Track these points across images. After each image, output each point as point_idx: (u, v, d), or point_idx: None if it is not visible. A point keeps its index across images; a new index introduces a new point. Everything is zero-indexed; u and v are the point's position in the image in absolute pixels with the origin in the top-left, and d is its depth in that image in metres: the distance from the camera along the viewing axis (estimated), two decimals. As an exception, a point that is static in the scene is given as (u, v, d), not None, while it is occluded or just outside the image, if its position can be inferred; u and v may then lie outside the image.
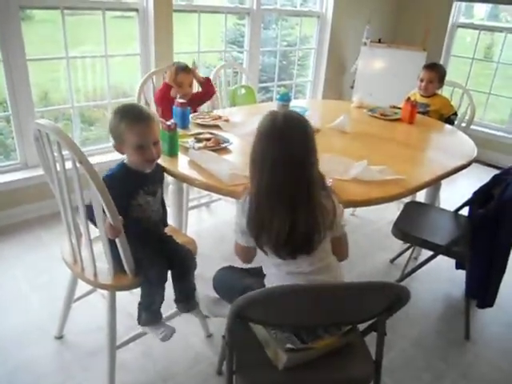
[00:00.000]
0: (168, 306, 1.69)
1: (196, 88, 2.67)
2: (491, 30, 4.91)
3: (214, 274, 1.54)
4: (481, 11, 5.02)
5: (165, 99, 2.44)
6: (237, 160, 1.80)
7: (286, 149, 1.18)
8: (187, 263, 1.64)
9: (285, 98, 2.24)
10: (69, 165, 1.33)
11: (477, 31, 4.64)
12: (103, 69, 3.04)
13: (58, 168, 1.39)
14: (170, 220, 2.06)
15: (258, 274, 1.37)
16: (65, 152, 1.32)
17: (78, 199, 1.39)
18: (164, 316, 1.68)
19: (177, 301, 1.69)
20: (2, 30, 2.47)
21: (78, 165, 1.29)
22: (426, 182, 1.74)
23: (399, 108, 2.76)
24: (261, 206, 1.22)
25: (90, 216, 1.41)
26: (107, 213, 1.33)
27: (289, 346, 1.18)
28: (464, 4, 4.65)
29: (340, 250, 1.37)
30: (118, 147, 1.50)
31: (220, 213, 3.07)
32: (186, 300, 1.69)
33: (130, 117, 1.44)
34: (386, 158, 1.91)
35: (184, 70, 2.52)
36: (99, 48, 2.97)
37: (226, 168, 1.57)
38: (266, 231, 1.22)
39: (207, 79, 2.66)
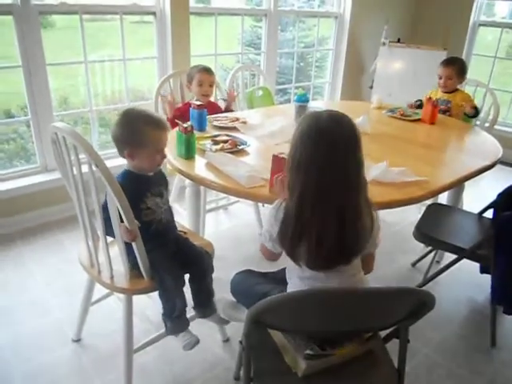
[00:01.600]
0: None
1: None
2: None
3: (231, 278, 1.51)
4: (503, 9, 4.90)
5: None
6: (254, 162, 1.77)
7: (335, 152, 1.09)
8: (204, 266, 1.62)
9: (302, 99, 2.21)
10: (85, 168, 1.32)
11: (498, 29, 4.54)
12: (121, 73, 3.06)
13: (75, 171, 1.39)
14: (187, 223, 2.06)
15: (278, 280, 1.34)
16: (81, 155, 1.31)
17: (95, 203, 1.39)
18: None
19: (194, 305, 1.67)
20: (22, 36, 2.51)
21: (94, 168, 1.29)
22: (448, 183, 1.69)
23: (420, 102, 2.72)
24: (303, 215, 1.12)
25: (105, 218, 1.40)
26: (123, 217, 1.32)
27: (308, 352, 1.15)
28: (485, 2, 4.54)
29: (368, 264, 1.32)
30: (132, 151, 1.46)
31: (238, 215, 3.05)
32: (204, 305, 1.68)
33: (156, 122, 1.48)
34: (406, 159, 1.86)
35: (206, 69, 2.52)
36: (118, 52, 2.99)
37: (244, 170, 1.55)
38: (305, 242, 1.13)
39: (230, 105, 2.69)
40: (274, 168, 1.44)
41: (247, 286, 1.41)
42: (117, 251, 1.48)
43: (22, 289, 2.21)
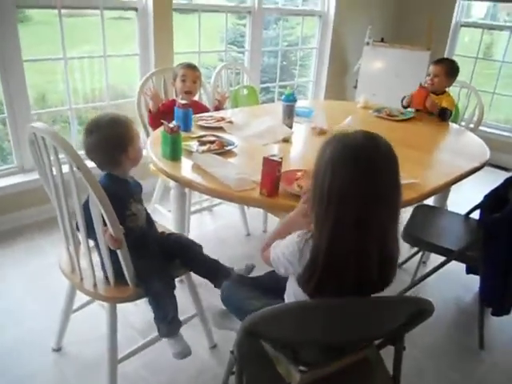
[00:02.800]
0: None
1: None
2: (495, 28, 4.85)
3: (222, 286, 1.46)
4: (480, 11, 4.96)
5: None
6: (243, 163, 1.73)
7: (375, 179, 0.95)
8: (189, 243, 1.64)
9: (290, 99, 2.16)
10: (66, 169, 1.26)
11: (476, 30, 4.61)
12: (102, 70, 2.97)
13: (55, 172, 1.32)
14: (172, 225, 2.00)
15: (270, 289, 1.28)
16: (61, 156, 1.25)
17: (76, 205, 1.32)
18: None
19: (210, 279, 1.65)
20: (-3, 30, 2.40)
21: (75, 170, 1.22)
22: (440, 185, 1.67)
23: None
24: (337, 253, 0.98)
25: (87, 219, 1.34)
26: (107, 222, 1.25)
27: (301, 368, 1.11)
28: (466, 3, 4.58)
29: None
30: (120, 157, 1.46)
31: (223, 216, 2.99)
32: (216, 272, 1.64)
33: (133, 125, 1.50)
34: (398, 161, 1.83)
35: (189, 65, 2.46)
36: (98, 49, 2.90)
37: (233, 172, 1.49)
38: (336, 278, 1.01)
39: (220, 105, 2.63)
40: (265, 171, 1.39)
41: (240, 298, 1.35)
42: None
43: (-1, 295, 2.12)
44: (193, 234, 2.49)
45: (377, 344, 1.26)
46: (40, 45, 3.34)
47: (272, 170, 1.37)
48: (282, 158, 1.39)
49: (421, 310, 1.04)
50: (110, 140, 1.43)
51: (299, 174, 1.52)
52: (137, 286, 1.46)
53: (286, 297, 1.24)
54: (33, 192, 2.62)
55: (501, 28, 4.84)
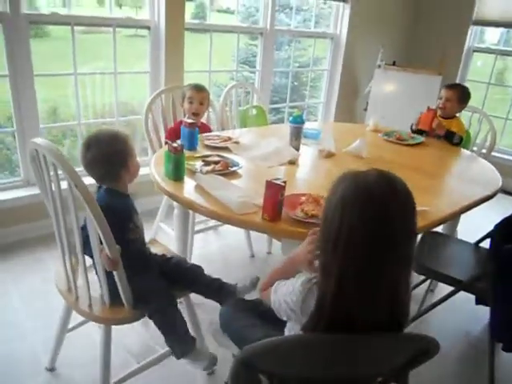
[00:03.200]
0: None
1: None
2: (509, 54, 4.83)
3: (220, 311, 1.40)
4: (493, 37, 4.95)
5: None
6: (247, 185, 1.69)
7: (388, 225, 0.87)
8: (192, 269, 1.62)
9: (298, 121, 2.13)
10: (65, 185, 1.24)
11: (488, 56, 4.60)
12: (112, 86, 2.98)
13: (54, 188, 1.30)
14: (174, 245, 1.96)
15: (271, 317, 1.22)
16: (60, 172, 1.23)
17: (74, 223, 1.29)
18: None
19: (219, 303, 1.60)
20: (10, 44, 2.43)
21: (73, 188, 1.20)
22: (449, 213, 1.62)
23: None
24: (345, 301, 0.91)
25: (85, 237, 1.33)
26: (104, 243, 1.22)
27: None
28: (479, 29, 4.57)
29: None
30: (120, 172, 1.46)
31: (228, 236, 2.95)
32: (220, 288, 1.61)
33: (130, 140, 1.51)
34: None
35: (197, 86, 2.45)
36: (110, 65, 2.92)
37: (236, 195, 1.46)
38: (342, 327, 0.93)
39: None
40: (267, 194, 1.36)
41: (239, 326, 1.29)
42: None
43: (-4, 310, 2.09)
44: (196, 254, 2.46)
45: (380, 381, 1.20)
46: (55, 60, 3.38)
47: (275, 194, 1.34)
48: (285, 182, 1.36)
49: (424, 350, 0.99)
50: (111, 155, 1.43)
51: (303, 198, 1.48)
52: (134, 308, 1.42)
53: (286, 331, 1.19)
54: (37, 206, 2.59)
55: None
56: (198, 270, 1.63)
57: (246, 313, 1.33)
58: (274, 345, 0.93)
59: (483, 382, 1.90)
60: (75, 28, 2.64)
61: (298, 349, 0.94)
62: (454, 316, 2.31)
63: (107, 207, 1.29)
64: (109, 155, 1.43)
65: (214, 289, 1.62)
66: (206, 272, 1.65)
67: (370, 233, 0.87)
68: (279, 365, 0.99)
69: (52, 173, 1.27)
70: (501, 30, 4.78)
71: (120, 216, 1.41)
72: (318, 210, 1.39)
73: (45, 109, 3.49)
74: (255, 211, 1.42)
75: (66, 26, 2.64)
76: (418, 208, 1.53)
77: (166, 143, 1.71)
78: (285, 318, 1.09)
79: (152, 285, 1.47)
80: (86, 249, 1.34)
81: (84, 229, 1.32)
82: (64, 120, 3.93)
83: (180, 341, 1.45)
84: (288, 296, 1.04)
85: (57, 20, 2.65)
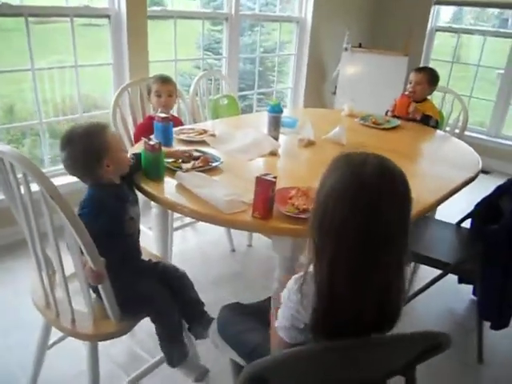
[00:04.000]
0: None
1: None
2: (470, 32, 4.91)
3: (218, 314, 1.33)
4: (446, 15, 5.02)
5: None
6: (230, 181, 1.61)
7: (379, 219, 0.83)
8: (181, 279, 1.53)
9: (276, 110, 2.06)
10: (35, 187, 1.13)
11: (444, 34, 4.76)
12: (73, 80, 2.81)
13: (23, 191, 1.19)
14: (154, 245, 1.87)
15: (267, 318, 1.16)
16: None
17: (49, 230, 1.19)
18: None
19: (189, 325, 1.52)
20: (-43, 40, 2.23)
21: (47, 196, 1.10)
22: (436, 199, 1.59)
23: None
24: (336, 288, 0.87)
25: None
26: (86, 256, 1.13)
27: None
28: (438, 8, 4.61)
29: None
30: (110, 158, 1.36)
31: (206, 232, 2.86)
32: (198, 316, 1.50)
33: (108, 131, 1.41)
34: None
35: (163, 79, 2.32)
36: (68, 58, 2.74)
37: (222, 193, 1.38)
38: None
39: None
40: (257, 192, 1.29)
41: (236, 331, 1.23)
42: (77, 286, 1.28)
43: (-35, 329, 1.94)
44: (175, 251, 2.37)
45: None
46: (9, 54, 3.16)
47: (266, 191, 1.27)
48: (276, 177, 1.29)
49: (435, 345, 0.96)
50: (84, 154, 1.32)
51: (293, 192, 1.42)
52: (121, 321, 1.33)
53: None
54: (3, 211, 2.44)
55: (471, 32, 4.90)
56: (187, 282, 1.54)
57: (246, 317, 1.27)
58: (284, 359, 0.87)
59: (472, 359, 1.93)
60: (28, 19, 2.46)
61: (307, 360, 0.88)
62: (439, 297, 2.33)
63: (96, 205, 1.26)
64: (81, 154, 1.32)
65: (191, 311, 1.52)
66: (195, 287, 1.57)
67: (363, 225, 0.83)
68: (287, 378, 0.94)
69: (22, 183, 1.16)
70: (453, 8, 4.88)
71: (112, 211, 1.33)
72: (309, 203, 1.34)
73: (1, 106, 3.27)
74: (244, 209, 1.35)
75: (18, 17, 2.46)
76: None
77: (140, 141, 1.61)
78: (293, 334, 0.98)
79: (153, 286, 1.41)
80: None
81: None
82: (22, 118, 3.70)
83: (177, 348, 1.40)
84: (290, 302, 0.96)
85: (8, 11, 2.45)
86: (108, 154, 1.36)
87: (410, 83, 2.79)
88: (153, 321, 1.39)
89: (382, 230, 0.84)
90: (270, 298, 1.27)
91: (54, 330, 1.52)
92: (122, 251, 1.37)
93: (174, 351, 1.40)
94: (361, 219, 0.83)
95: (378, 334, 0.92)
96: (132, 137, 2.42)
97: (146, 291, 1.39)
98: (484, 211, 2.09)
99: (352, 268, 0.86)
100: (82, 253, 1.15)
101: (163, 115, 1.93)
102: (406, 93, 2.76)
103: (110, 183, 1.40)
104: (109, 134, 1.39)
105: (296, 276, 0.97)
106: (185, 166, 1.65)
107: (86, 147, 1.32)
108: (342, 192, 0.85)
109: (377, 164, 0.87)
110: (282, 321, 0.98)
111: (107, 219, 1.29)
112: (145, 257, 1.58)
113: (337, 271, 0.86)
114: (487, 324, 1.90)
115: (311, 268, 0.92)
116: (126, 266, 1.37)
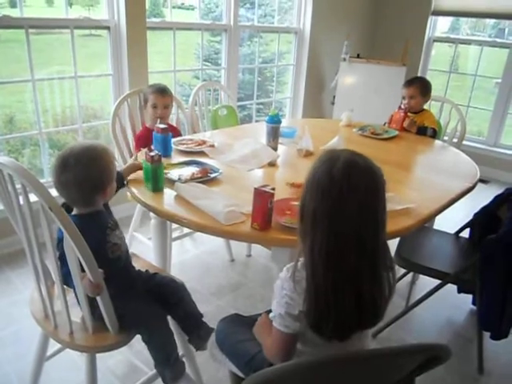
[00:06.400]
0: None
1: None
2: (467, 42, 4.94)
3: (216, 327, 1.33)
4: (443, 25, 5.06)
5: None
6: (229, 192, 1.61)
7: (345, 209, 0.90)
8: (178, 292, 1.49)
9: (275, 120, 2.07)
10: (34, 197, 1.12)
11: (441, 44, 4.81)
12: (72, 91, 2.82)
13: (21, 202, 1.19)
14: (153, 256, 1.87)
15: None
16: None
17: (47, 242, 1.18)
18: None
19: (189, 337, 1.50)
20: (-42, 51, 2.25)
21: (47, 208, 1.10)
22: (436, 209, 1.60)
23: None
24: (315, 275, 0.94)
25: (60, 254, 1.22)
26: (85, 267, 1.13)
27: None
28: (435, 18, 4.66)
29: None
30: (96, 198, 1.34)
31: (205, 242, 2.86)
32: (197, 328, 1.48)
33: (111, 158, 1.38)
34: (388, 183, 1.76)
35: (160, 90, 2.32)
36: (68, 68, 2.76)
37: (221, 205, 1.38)
38: (329, 309, 0.94)
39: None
40: (256, 203, 1.29)
41: (234, 341, 1.23)
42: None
43: (-38, 340, 1.93)
44: (174, 262, 2.37)
45: None
46: (9, 64, 3.18)
47: (264, 203, 1.27)
48: (274, 189, 1.29)
49: (435, 357, 0.96)
50: (89, 181, 1.29)
51: (291, 203, 1.43)
52: (119, 333, 1.32)
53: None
54: (2, 221, 2.44)
55: (468, 42, 4.94)
56: (185, 294, 1.51)
57: (244, 327, 1.27)
58: (281, 373, 0.87)
59: (472, 370, 1.92)
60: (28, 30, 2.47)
61: (304, 374, 0.88)
62: (438, 307, 2.33)
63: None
64: (86, 181, 1.29)
65: (193, 323, 1.50)
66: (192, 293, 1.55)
67: (331, 215, 0.92)
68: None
69: (21, 194, 1.16)
70: (450, 19, 4.93)
71: (92, 241, 1.19)
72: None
73: (1, 117, 3.27)
74: (243, 220, 1.35)
75: (19, 29, 2.48)
76: (404, 206, 1.52)
77: (140, 151, 1.61)
78: (287, 322, 1.01)
79: (141, 307, 1.37)
80: (67, 277, 1.23)
81: (60, 244, 1.21)
82: (22, 128, 3.71)
83: (172, 367, 1.36)
84: (280, 297, 1.00)
85: (9, 23, 2.47)
86: (110, 185, 1.36)
87: (404, 98, 2.80)
88: (144, 341, 1.36)
89: (351, 220, 0.91)
90: (269, 310, 1.27)
91: (51, 341, 1.53)
92: (112, 276, 1.29)
93: (166, 371, 1.37)
94: (329, 210, 0.92)
95: (361, 330, 0.99)
96: (131, 147, 2.43)
97: (135, 314, 1.35)
98: (483, 221, 2.09)
99: (326, 254, 0.92)
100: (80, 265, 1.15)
101: (163, 126, 1.94)
102: (402, 106, 2.75)
103: (95, 210, 1.36)
104: (112, 161, 1.38)
105: (288, 265, 1.01)
106: (184, 176, 1.65)
107: (94, 174, 1.30)
108: (315, 184, 0.94)
109: (347, 159, 0.93)
110: (277, 309, 1.01)
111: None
112: (143, 268, 1.57)
113: (315, 256, 0.93)
114: (487, 334, 1.89)
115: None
116: (114, 288, 1.30)
